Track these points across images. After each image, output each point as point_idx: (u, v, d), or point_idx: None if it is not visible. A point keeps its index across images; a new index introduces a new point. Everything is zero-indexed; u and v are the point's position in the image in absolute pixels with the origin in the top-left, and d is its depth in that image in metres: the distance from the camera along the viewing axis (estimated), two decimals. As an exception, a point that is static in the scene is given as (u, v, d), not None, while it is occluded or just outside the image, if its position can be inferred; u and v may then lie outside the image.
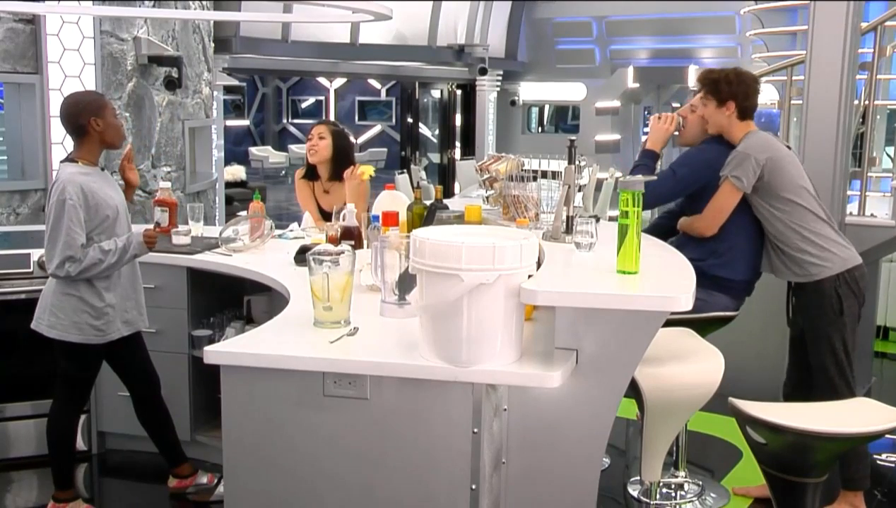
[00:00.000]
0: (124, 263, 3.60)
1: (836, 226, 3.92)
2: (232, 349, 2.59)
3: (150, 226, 3.68)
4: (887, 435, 2.98)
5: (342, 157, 4.72)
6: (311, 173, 4.83)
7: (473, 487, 2.44)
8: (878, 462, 4.65)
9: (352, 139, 5.48)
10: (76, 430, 3.89)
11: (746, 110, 3.88)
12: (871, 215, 5.07)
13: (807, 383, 3.89)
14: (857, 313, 3.79)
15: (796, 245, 3.75)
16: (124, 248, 3.54)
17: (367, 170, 4.47)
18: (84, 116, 3.58)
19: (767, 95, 11.81)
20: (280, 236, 4.56)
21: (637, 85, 15.76)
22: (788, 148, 3.93)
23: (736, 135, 3.86)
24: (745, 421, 2.83)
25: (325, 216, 4.65)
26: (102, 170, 3.74)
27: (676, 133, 4.06)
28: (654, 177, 3.76)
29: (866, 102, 5.59)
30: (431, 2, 13.72)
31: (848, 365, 3.79)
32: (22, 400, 4.36)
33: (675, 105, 15.87)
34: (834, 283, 3.72)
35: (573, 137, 3.78)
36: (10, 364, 4.34)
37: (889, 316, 6.73)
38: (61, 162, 3.66)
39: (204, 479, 4.08)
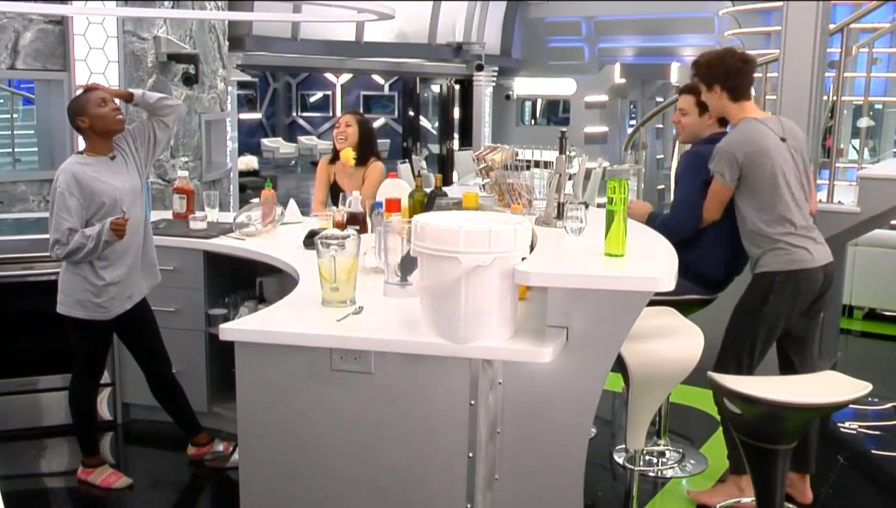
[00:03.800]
0: (101, 249, 3.47)
1: (808, 221, 3.50)
2: (245, 327, 2.59)
3: (120, 216, 3.47)
4: (850, 405, 2.99)
5: (366, 143, 4.86)
6: (337, 156, 4.89)
7: (470, 455, 2.44)
8: (842, 429, 4.65)
9: (374, 124, 5.56)
10: (96, 402, 3.87)
11: (736, 90, 3.51)
12: (839, 202, 5.06)
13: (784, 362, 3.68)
14: (780, 315, 3.45)
15: (755, 245, 3.51)
16: (98, 234, 3.44)
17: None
18: (75, 119, 3.56)
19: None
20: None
21: (623, 80, 15.70)
22: (783, 140, 3.49)
23: (733, 118, 3.58)
24: (722, 393, 2.83)
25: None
26: (113, 158, 3.62)
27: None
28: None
29: (834, 98, 5.57)
30: (431, 2, 13.64)
31: (747, 363, 3.46)
32: (52, 373, 4.34)
33: (659, 99, 15.84)
34: (773, 278, 3.44)
35: (564, 129, 3.76)
36: (41, 340, 4.32)
37: (854, 295, 6.72)
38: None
39: (220, 447, 4.08)
